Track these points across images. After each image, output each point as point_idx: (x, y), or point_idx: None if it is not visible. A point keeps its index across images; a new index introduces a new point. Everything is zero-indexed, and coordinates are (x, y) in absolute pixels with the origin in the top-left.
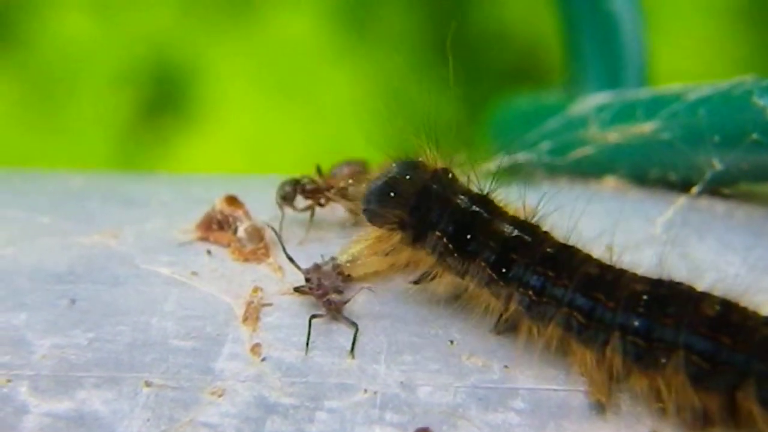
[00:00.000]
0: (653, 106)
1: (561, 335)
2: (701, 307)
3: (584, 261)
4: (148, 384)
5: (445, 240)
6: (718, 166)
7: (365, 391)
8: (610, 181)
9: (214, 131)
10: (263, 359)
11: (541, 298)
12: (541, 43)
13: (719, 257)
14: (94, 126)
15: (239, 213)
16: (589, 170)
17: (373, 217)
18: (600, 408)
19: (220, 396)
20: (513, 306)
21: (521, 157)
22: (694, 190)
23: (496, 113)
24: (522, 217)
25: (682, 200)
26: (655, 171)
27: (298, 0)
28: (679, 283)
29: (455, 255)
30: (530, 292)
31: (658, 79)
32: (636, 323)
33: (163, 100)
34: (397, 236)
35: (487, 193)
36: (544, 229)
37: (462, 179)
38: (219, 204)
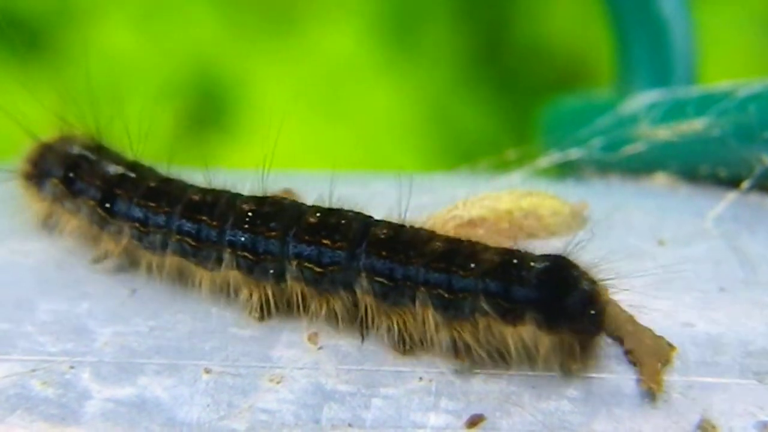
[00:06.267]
0: (703, 104)
1: (179, 262)
2: (305, 217)
3: (185, 190)
4: (207, 371)
5: (60, 185)
6: (767, 161)
7: (420, 378)
8: (660, 178)
9: (258, 145)
10: (320, 348)
11: (148, 228)
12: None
13: None
14: (137, 139)
15: None
16: (640, 167)
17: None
18: (651, 396)
19: (278, 383)
20: (125, 240)
21: (573, 153)
22: (744, 185)
23: (548, 111)
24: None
25: (732, 195)
26: (705, 167)
27: (341, 14)
28: (283, 199)
29: (68, 196)
30: (137, 224)
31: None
32: (243, 239)
33: (206, 114)
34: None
35: (101, 144)
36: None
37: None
38: None
